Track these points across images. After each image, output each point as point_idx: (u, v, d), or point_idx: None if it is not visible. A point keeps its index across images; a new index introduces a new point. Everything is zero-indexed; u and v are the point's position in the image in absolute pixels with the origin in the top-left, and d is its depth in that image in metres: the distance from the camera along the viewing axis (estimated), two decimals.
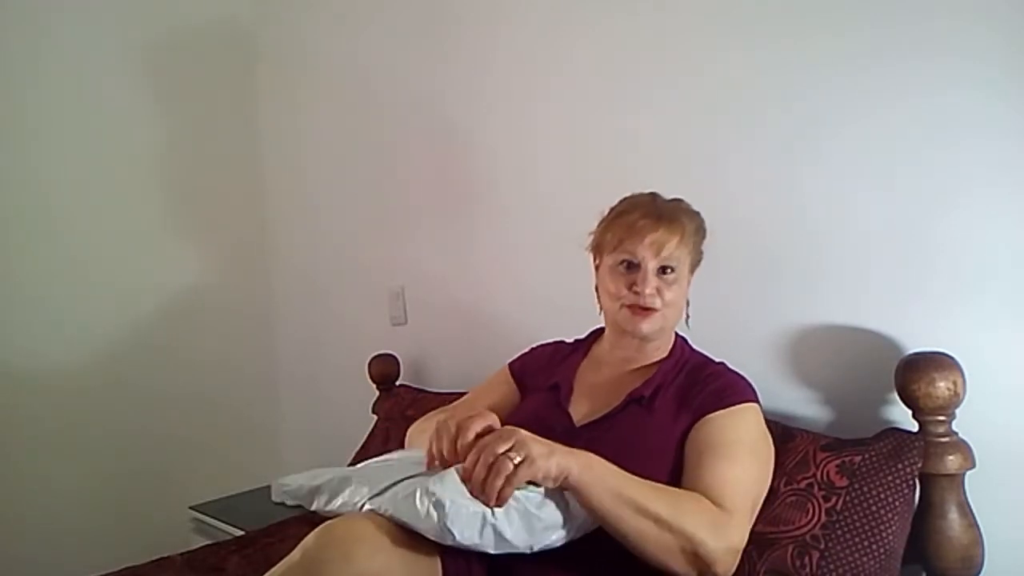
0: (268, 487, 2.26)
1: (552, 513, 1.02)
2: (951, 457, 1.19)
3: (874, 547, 1.14)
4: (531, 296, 1.90)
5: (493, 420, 1.08)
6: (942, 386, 1.18)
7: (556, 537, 1.04)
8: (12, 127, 2.22)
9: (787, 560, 1.16)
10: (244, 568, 1.57)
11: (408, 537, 1.05)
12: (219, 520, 2.14)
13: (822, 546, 1.16)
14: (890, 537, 1.15)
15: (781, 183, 1.47)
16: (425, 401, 1.96)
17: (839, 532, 1.16)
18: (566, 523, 1.04)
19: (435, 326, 2.20)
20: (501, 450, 0.98)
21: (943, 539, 1.18)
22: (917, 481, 1.19)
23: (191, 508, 2.25)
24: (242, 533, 1.90)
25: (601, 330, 1.43)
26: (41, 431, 2.25)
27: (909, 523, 1.19)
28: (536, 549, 1.03)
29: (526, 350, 1.54)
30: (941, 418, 1.21)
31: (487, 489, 0.97)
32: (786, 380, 1.47)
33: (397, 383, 2.14)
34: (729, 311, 1.52)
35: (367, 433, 2.03)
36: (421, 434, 1.38)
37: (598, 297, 1.37)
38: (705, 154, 1.58)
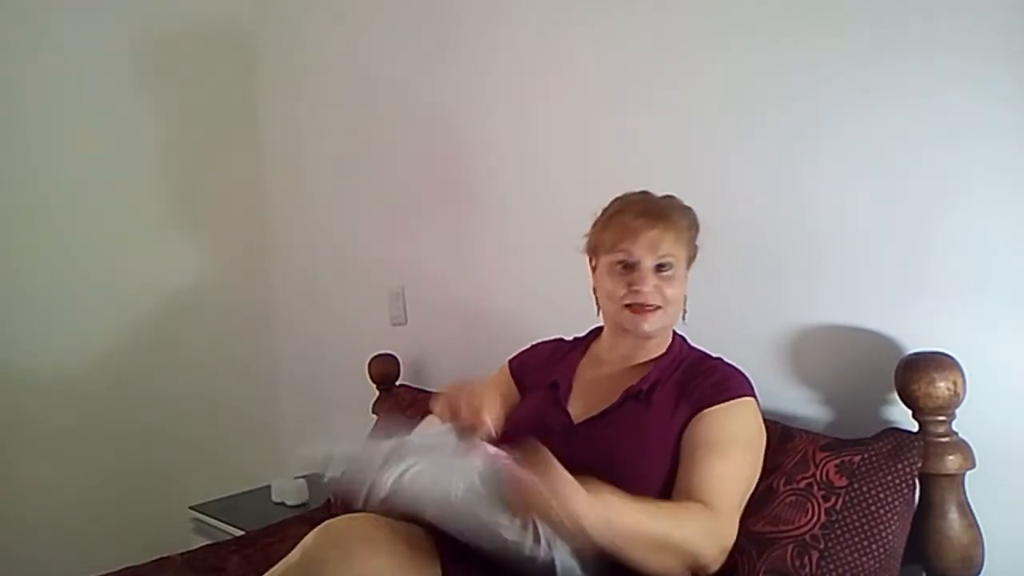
0: (268, 487, 2.29)
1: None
2: (951, 457, 1.19)
3: (874, 547, 1.14)
4: (531, 296, 1.90)
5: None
6: (942, 386, 1.18)
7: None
8: (12, 127, 2.22)
9: (787, 560, 1.16)
10: (244, 568, 1.57)
11: (408, 537, 1.05)
12: (219, 520, 2.14)
13: (822, 546, 1.16)
14: (890, 537, 1.15)
15: (781, 183, 1.47)
16: (425, 401, 1.96)
17: (839, 532, 1.16)
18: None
19: (435, 326, 2.20)
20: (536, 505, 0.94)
21: (943, 539, 1.18)
22: (917, 481, 1.19)
23: (191, 508, 2.25)
24: (242, 533, 1.90)
25: (600, 329, 1.44)
26: (41, 431, 2.25)
27: (909, 523, 1.19)
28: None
29: (526, 347, 1.54)
30: (941, 418, 1.21)
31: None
32: (786, 380, 1.47)
33: (397, 383, 2.14)
34: (729, 311, 1.52)
35: (367, 433, 2.02)
36: None
37: (596, 298, 1.37)
38: (705, 154, 1.58)
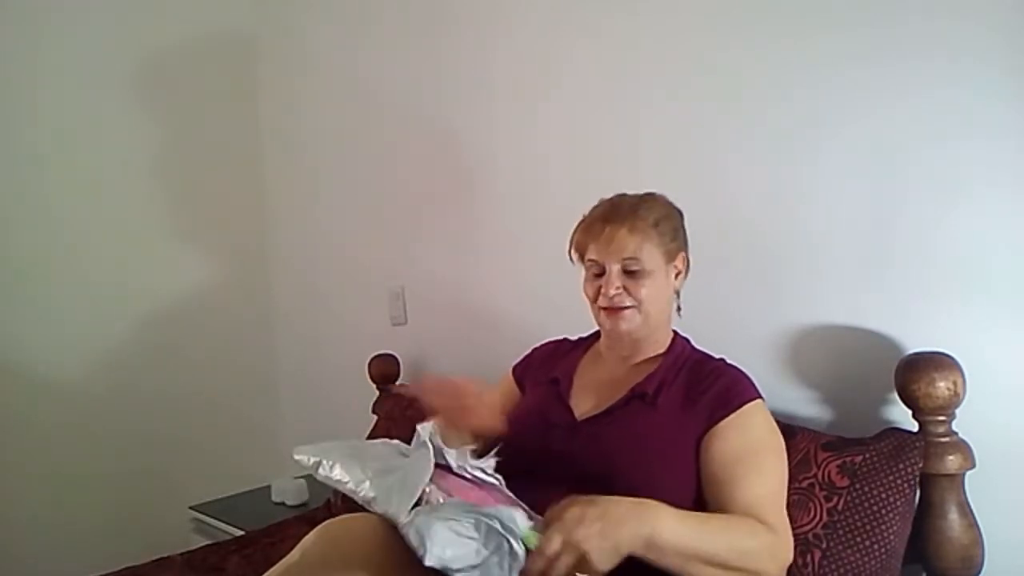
0: (268, 487, 2.29)
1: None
2: (951, 457, 1.19)
3: (875, 547, 1.15)
4: (531, 296, 1.90)
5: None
6: (942, 386, 1.18)
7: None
8: (15, 133, 2.23)
9: None
10: (244, 568, 1.57)
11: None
12: (219, 520, 2.14)
13: (823, 545, 1.16)
14: (891, 537, 1.16)
15: (781, 182, 1.47)
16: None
17: (840, 532, 1.17)
18: None
19: (435, 326, 2.21)
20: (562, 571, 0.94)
21: (943, 539, 1.18)
22: (917, 481, 1.19)
23: (191, 508, 2.25)
24: (242, 533, 1.90)
25: None
26: (42, 431, 2.25)
27: (910, 523, 1.19)
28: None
29: (528, 352, 1.54)
30: (941, 418, 1.21)
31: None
32: (786, 380, 1.47)
33: (397, 383, 2.14)
34: (730, 311, 1.52)
35: (367, 433, 2.02)
36: None
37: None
38: (706, 154, 1.58)
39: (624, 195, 1.33)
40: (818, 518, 1.19)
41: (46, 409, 2.26)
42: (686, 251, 1.33)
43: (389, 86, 2.27)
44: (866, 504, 1.17)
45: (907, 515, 1.18)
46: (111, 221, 2.39)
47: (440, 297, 2.17)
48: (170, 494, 2.38)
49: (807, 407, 1.44)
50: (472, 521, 0.96)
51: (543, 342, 1.54)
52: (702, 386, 1.24)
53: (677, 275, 1.32)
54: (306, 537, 1.07)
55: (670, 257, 1.29)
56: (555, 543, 0.94)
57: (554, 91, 1.85)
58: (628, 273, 1.26)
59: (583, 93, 1.79)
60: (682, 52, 1.61)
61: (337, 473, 1.09)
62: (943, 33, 1.27)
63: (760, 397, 1.24)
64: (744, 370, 1.28)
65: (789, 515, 1.17)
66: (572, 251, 1.34)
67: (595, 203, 1.34)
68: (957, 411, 1.21)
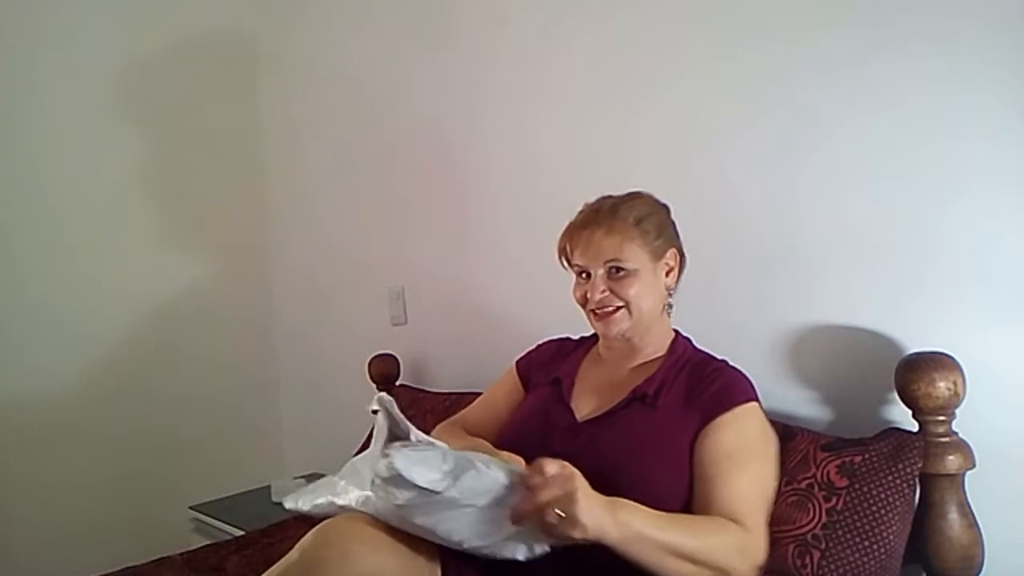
0: (268, 487, 2.29)
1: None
2: (951, 457, 1.19)
3: (874, 547, 1.14)
4: (531, 295, 1.90)
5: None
6: (942, 386, 1.18)
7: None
8: (14, 136, 2.23)
9: (788, 559, 1.16)
10: (244, 568, 1.57)
11: (406, 537, 1.05)
12: (219, 520, 2.14)
13: (823, 546, 1.16)
14: (890, 537, 1.15)
15: (780, 182, 1.46)
16: (425, 401, 1.96)
17: (839, 532, 1.16)
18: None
19: (435, 326, 2.20)
20: (549, 497, 0.96)
21: (943, 539, 1.18)
22: (917, 481, 1.19)
23: (191, 508, 2.25)
24: (242, 533, 1.90)
25: None
26: (42, 432, 2.25)
27: (909, 523, 1.19)
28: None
29: (532, 347, 1.54)
30: (941, 418, 1.20)
31: (523, 521, 0.98)
32: (786, 380, 1.46)
33: (397, 383, 2.14)
34: (729, 311, 1.52)
35: (367, 433, 2.02)
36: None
37: None
38: (703, 154, 1.57)
39: (608, 197, 1.32)
40: (817, 518, 1.18)
41: (46, 409, 2.26)
42: (677, 247, 1.32)
43: (389, 86, 2.26)
44: (865, 504, 1.17)
45: (906, 515, 1.18)
46: (111, 220, 2.39)
47: (440, 297, 2.17)
48: (170, 494, 2.38)
49: (807, 407, 1.44)
50: (440, 452, 1.00)
51: (548, 339, 1.54)
52: (702, 386, 1.24)
53: (669, 272, 1.31)
54: (305, 537, 1.07)
55: (657, 255, 1.28)
56: (551, 467, 0.97)
57: (552, 91, 1.85)
58: (613, 275, 1.26)
59: (582, 92, 1.78)
60: (678, 52, 1.61)
61: (330, 498, 1.13)
62: (943, 32, 1.26)
63: (757, 400, 1.24)
64: (744, 372, 1.28)
65: (789, 515, 1.17)
66: (559, 256, 1.35)
67: (584, 204, 1.34)
68: (957, 411, 1.21)
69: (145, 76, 2.47)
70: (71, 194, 2.32)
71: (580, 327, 1.49)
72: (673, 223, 1.33)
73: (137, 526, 2.34)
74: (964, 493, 1.20)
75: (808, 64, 1.42)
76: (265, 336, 2.75)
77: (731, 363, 1.30)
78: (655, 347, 1.33)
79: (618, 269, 1.26)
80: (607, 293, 1.26)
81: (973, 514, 1.19)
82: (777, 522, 1.19)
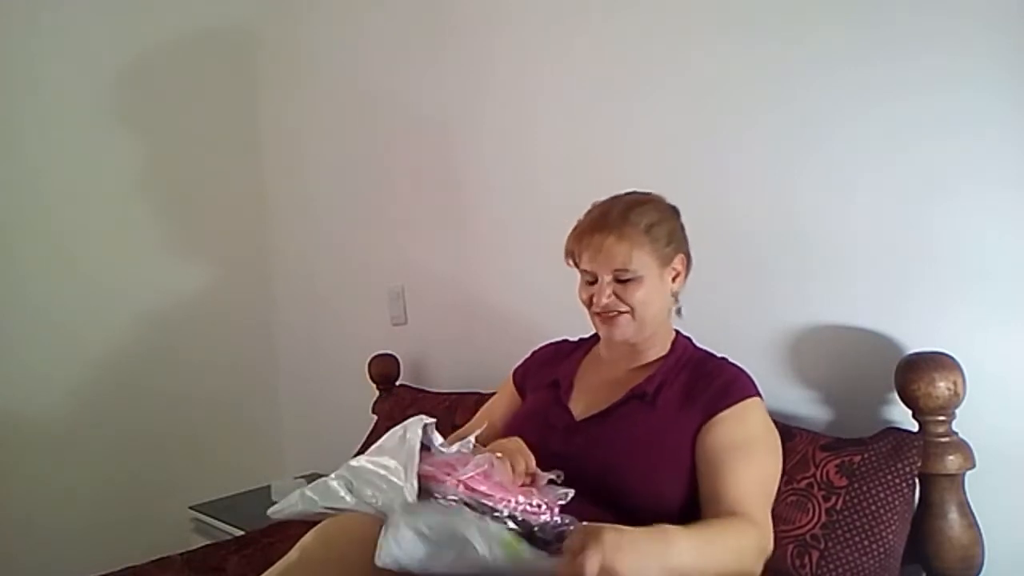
0: (268, 487, 2.29)
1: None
2: (951, 457, 1.19)
3: (874, 547, 1.14)
4: (532, 295, 1.90)
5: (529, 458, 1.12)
6: (942, 386, 1.18)
7: None
8: (13, 137, 2.23)
9: (787, 559, 1.16)
10: (244, 568, 1.57)
11: None
12: (219, 520, 2.14)
13: (822, 546, 1.16)
14: (890, 537, 1.15)
15: (780, 182, 1.46)
16: (425, 401, 1.96)
17: (839, 532, 1.16)
18: None
19: (435, 326, 2.20)
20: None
21: (943, 539, 1.18)
22: (917, 481, 1.19)
23: (191, 508, 2.26)
24: (242, 533, 1.90)
25: None
26: (42, 432, 2.25)
27: (909, 523, 1.19)
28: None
29: (527, 355, 1.54)
30: (941, 418, 1.21)
31: None
32: (786, 380, 1.46)
33: (397, 383, 2.14)
34: (728, 311, 1.52)
35: (367, 433, 2.02)
36: None
37: None
38: (702, 154, 1.57)
39: (618, 198, 1.30)
40: (817, 518, 1.18)
41: (47, 409, 2.27)
42: (685, 252, 1.31)
43: (389, 86, 2.27)
44: (865, 504, 1.17)
45: (906, 515, 1.18)
46: (111, 220, 2.39)
47: (440, 297, 2.17)
48: (170, 494, 2.38)
49: (807, 407, 1.44)
50: (438, 522, 0.96)
51: (542, 344, 1.54)
52: (703, 383, 1.24)
53: (675, 277, 1.29)
54: (305, 537, 1.08)
55: (665, 261, 1.27)
56: (593, 562, 0.88)
57: (551, 90, 1.85)
58: (620, 281, 1.25)
59: (580, 93, 1.78)
60: (677, 52, 1.61)
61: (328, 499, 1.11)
62: (943, 32, 1.26)
63: (759, 395, 1.24)
64: (745, 369, 1.28)
65: (788, 515, 1.17)
66: (566, 258, 1.34)
67: (593, 204, 1.33)
68: (957, 411, 1.21)
69: (145, 76, 2.47)
70: (71, 194, 2.32)
71: (580, 327, 1.49)
72: (682, 227, 1.32)
73: (137, 526, 2.33)
74: (964, 493, 1.20)
75: (808, 64, 1.42)
76: (265, 336, 2.75)
77: (731, 360, 1.30)
78: (657, 349, 1.32)
79: (626, 276, 1.25)
80: (613, 298, 1.25)
81: (973, 514, 1.20)
82: (776, 522, 1.18)
